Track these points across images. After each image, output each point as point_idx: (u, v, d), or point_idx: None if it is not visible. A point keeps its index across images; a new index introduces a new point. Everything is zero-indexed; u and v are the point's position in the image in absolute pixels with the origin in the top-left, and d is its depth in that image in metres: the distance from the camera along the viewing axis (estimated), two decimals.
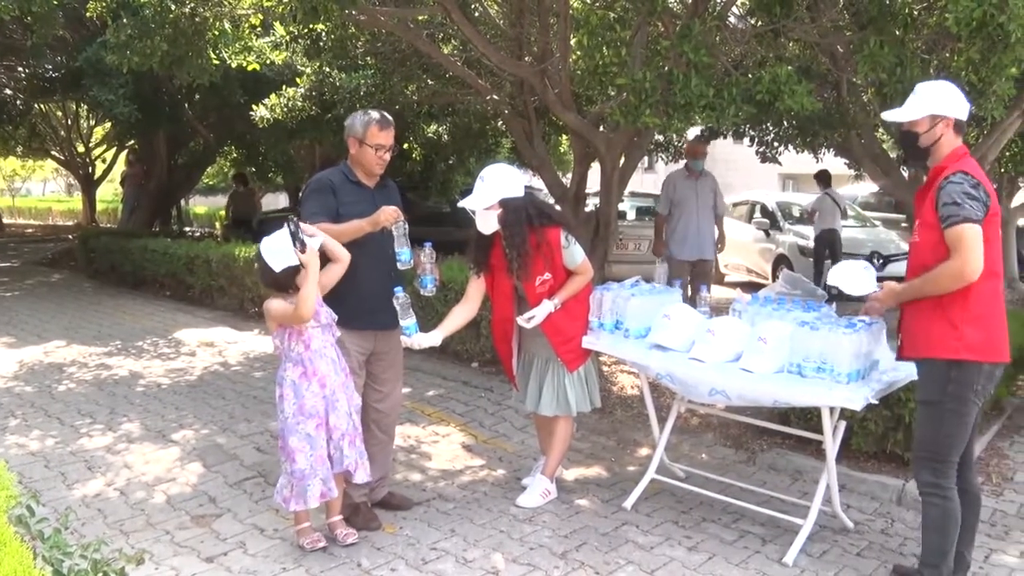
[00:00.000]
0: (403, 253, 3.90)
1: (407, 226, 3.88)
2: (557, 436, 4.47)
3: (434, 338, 4.04)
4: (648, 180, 26.56)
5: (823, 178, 11.76)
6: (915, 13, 5.38)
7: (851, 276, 3.67)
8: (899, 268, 11.39)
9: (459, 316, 4.28)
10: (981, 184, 3.20)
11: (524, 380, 4.50)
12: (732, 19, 7.33)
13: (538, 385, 4.41)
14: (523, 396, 4.51)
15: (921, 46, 5.91)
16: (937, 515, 3.33)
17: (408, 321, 3.89)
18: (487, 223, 4.11)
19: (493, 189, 4.08)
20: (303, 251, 3.59)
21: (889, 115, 3.50)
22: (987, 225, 3.18)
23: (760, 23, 6.31)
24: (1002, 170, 12.06)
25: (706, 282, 6.11)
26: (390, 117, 4.10)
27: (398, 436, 5.34)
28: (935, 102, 3.35)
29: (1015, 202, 13.36)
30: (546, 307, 4.21)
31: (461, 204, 4.15)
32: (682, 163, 8.39)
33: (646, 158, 14.99)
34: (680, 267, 7.52)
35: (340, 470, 3.79)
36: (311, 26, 8.07)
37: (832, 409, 3.90)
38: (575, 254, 4.24)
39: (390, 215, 3.82)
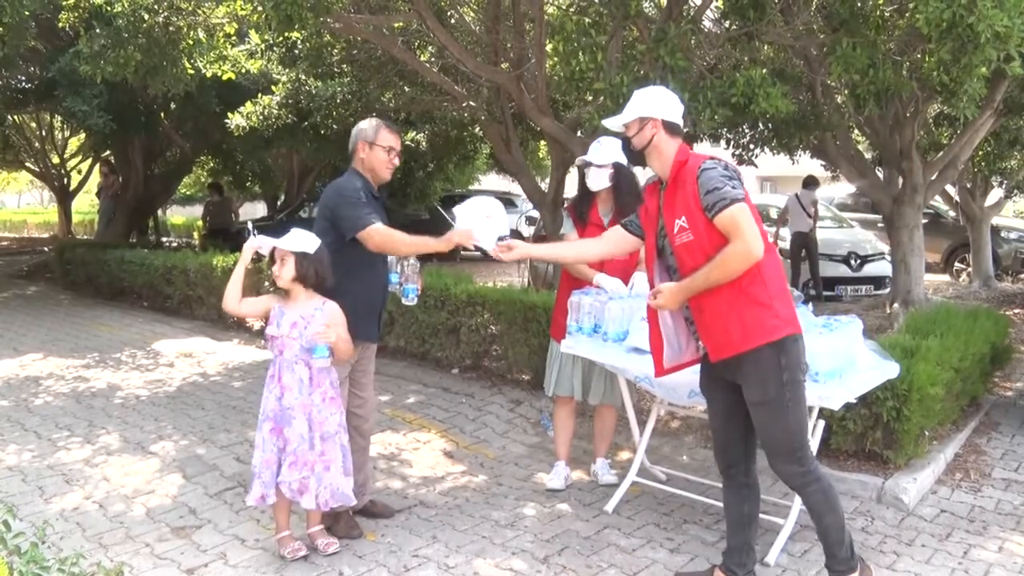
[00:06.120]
0: (410, 290, 4.07)
1: (419, 263, 4.05)
2: (607, 425, 4.85)
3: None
4: None
5: (805, 182, 12.03)
6: (886, 15, 5.46)
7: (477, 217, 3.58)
8: (875, 268, 11.57)
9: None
10: (729, 165, 3.18)
11: (556, 366, 4.68)
12: (706, 23, 7.37)
13: (582, 376, 4.63)
14: (559, 385, 4.68)
15: (893, 48, 5.98)
16: (819, 499, 3.29)
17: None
18: (598, 180, 4.40)
19: (612, 151, 4.39)
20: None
21: (607, 122, 3.49)
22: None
23: (734, 27, 6.37)
24: (975, 170, 12.18)
25: None
26: None
27: (379, 444, 5.34)
28: (643, 105, 3.32)
29: (988, 201, 13.47)
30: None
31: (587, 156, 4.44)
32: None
33: None
34: None
35: (277, 482, 3.72)
36: (286, 34, 8.06)
37: (811, 408, 3.92)
38: None
39: (464, 237, 3.78)
